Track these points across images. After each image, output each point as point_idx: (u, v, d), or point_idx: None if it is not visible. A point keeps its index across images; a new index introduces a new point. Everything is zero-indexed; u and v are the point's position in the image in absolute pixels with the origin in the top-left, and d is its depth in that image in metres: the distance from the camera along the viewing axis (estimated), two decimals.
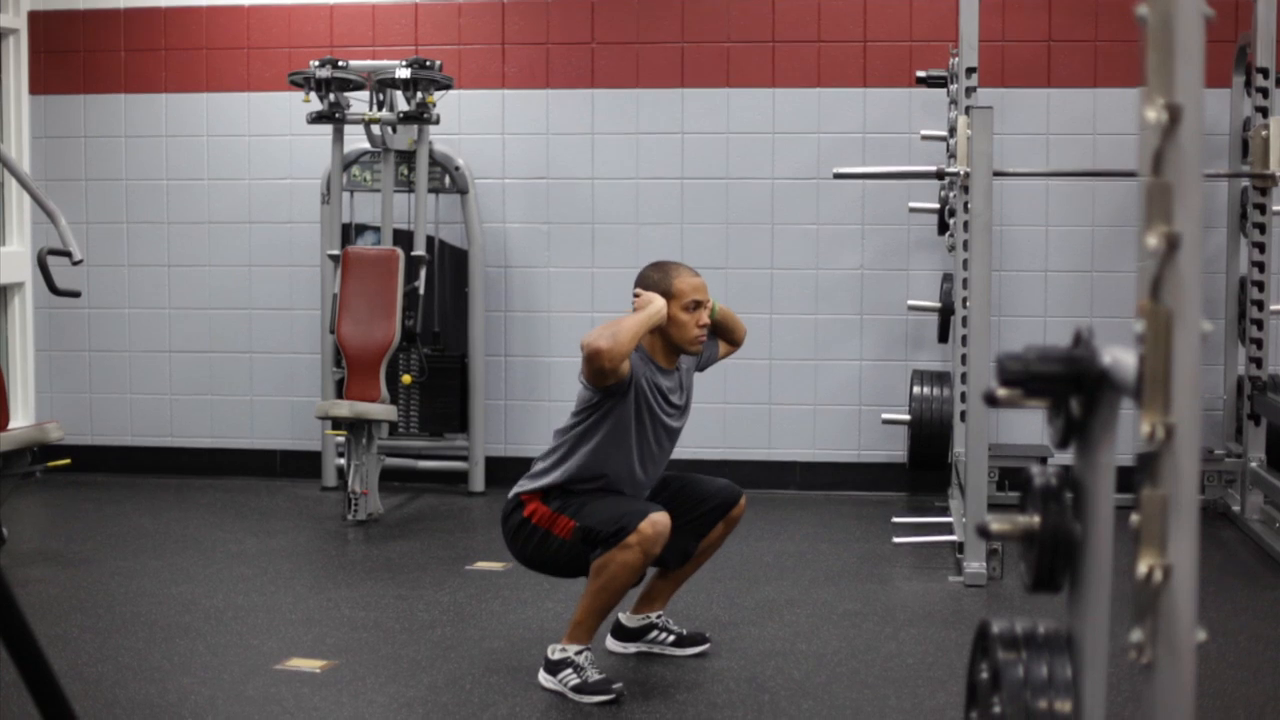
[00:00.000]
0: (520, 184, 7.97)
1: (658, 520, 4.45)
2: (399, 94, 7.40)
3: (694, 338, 4.71)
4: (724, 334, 5.08)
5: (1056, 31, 7.62)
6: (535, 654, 4.75)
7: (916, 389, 7.29)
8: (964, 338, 6.38)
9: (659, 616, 4.99)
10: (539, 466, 4.72)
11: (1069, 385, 1.97)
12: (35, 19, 8.25)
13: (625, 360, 4.48)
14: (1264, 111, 6.78)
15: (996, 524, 2.04)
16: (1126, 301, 7.42)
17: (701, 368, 5.01)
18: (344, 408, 6.97)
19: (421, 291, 7.38)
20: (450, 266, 7.90)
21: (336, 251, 7.40)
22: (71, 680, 4.61)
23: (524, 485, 4.70)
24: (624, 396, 4.59)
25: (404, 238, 7.53)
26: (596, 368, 4.44)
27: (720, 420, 7.85)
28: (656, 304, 4.61)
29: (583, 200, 7.90)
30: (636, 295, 4.70)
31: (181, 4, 8.15)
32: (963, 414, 6.52)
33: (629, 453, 4.65)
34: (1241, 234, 7.22)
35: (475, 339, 7.78)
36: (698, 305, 4.70)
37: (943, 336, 7.40)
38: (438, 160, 7.73)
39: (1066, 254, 7.65)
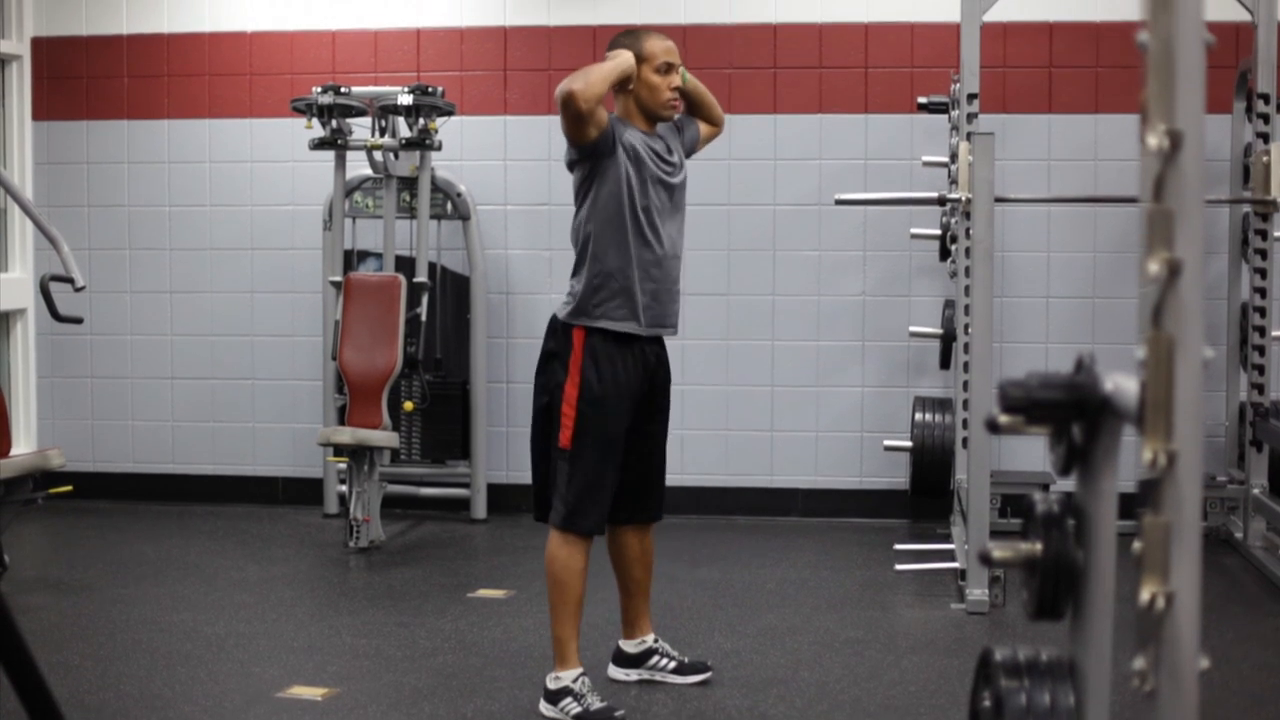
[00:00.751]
0: (522, 210, 7.98)
1: (590, 543, 4.63)
2: (401, 120, 7.40)
3: (666, 100, 4.71)
4: (698, 109, 5.00)
5: (1058, 57, 7.64)
6: (537, 682, 4.74)
7: (918, 415, 7.28)
8: (966, 364, 6.38)
9: (655, 640, 4.98)
10: (572, 282, 4.69)
11: (1071, 412, 1.97)
12: (38, 45, 8.28)
13: (598, 104, 4.47)
14: (1265, 137, 6.79)
15: (999, 551, 2.03)
16: (1128, 328, 7.42)
17: (688, 149, 4.94)
18: (346, 434, 6.97)
19: (423, 318, 7.39)
20: (452, 293, 7.90)
21: (338, 278, 7.41)
22: (73, 708, 4.60)
23: (566, 310, 4.68)
24: (612, 155, 4.57)
25: (406, 264, 7.53)
26: (573, 111, 4.44)
27: (722, 447, 7.84)
28: (624, 55, 4.64)
29: None
30: (608, 56, 4.70)
31: (184, 30, 8.17)
32: (965, 441, 6.51)
33: (635, 210, 4.61)
34: (1243, 260, 7.22)
35: (477, 365, 7.77)
36: (669, 68, 4.70)
37: (945, 363, 7.40)
38: (440, 186, 7.73)
39: (1068, 280, 7.65)
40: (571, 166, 4.67)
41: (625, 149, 4.59)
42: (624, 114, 4.72)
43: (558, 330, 4.69)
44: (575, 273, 4.70)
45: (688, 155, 4.94)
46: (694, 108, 4.98)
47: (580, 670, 4.59)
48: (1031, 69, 7.65)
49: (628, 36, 4.75)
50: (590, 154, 4.57)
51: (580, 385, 4.60)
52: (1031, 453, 7.54)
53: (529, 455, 4.85)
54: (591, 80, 4.46)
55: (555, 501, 4.62)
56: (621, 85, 4.68)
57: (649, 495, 4.87)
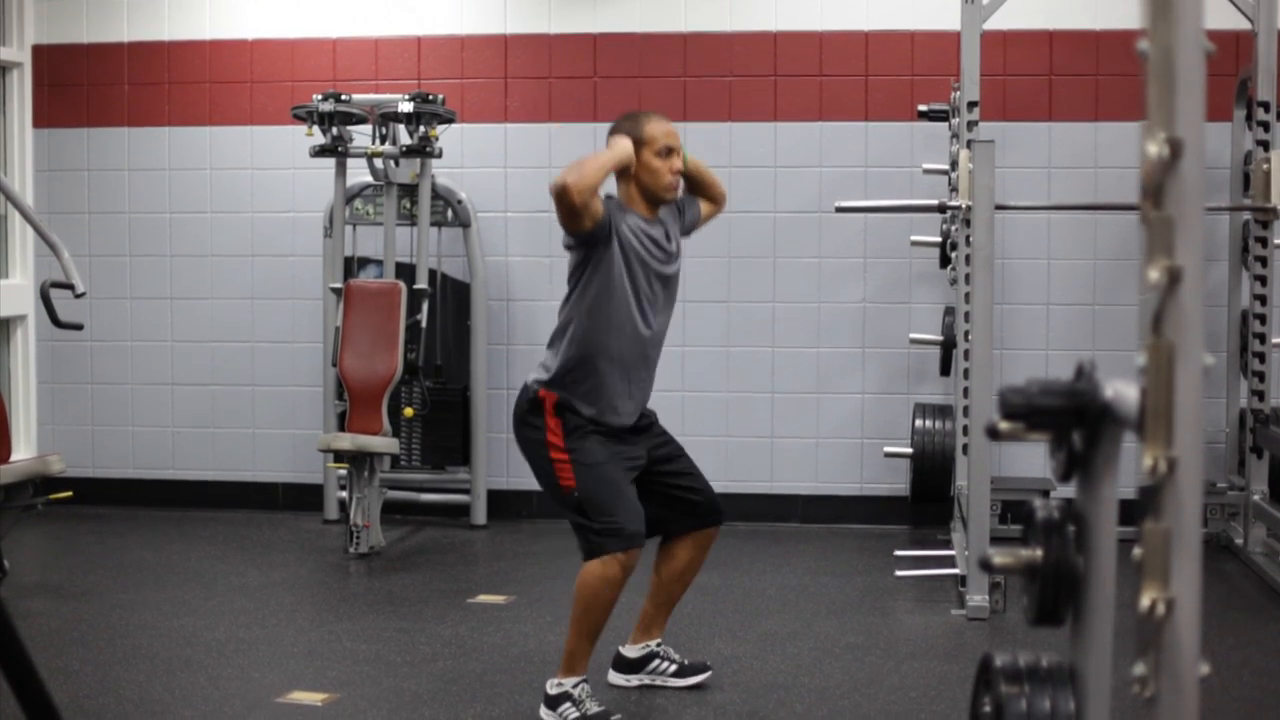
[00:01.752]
0: (522, 217, 7.98)
1: (635, 554, 4.53)
2: (402, 128, 7.41)
3: (668, 184, 4.69)
4: (700, 189, 5.00)
5: (1058, 65, 7.64)
6: (537, 688, 4.74)
7: (919, 422, 7.28)
8: (966, 371, 6.38)
9: (659, 645, 4.98)
10: (548, 354, 4.71)
11: (1071, 419, 1.97)
12: (39, 53, 8.28)
13: (593, 195, 4.47)
14: (1265, 145, 6.80)
15: (999, 557, 2.03)
16: (1128, 334, 7.43)
17: (687, 230, 4.94)
18: (346, 440, 6.97)
19: (424, 324, 7.39)
20: (452, 299, 7.91)
21: (339, 285, 7.41)
22: (73, 713, 4.60)
23: (539, 375, 4.71)
24: (608, 245, 4.56)
25: (406, 271, 7.54)
26: (567, 205, 4.45)
27: (723, 453, 7.84)
28: (623, 143, 4.63)
29: None
30: (609, 144, 4.70)
31: (185, 38, 8.18)
32: (965, 447, 6.51)
33: (626, 303, 4.61)
34: (1243, 267, 7.23)
35: (477, 372, 7.78)
36: (670, 151, 4.69)
37: (945, 370, 7.40)
38: (440, 194, 7.74)
39: (1068, 287, 7.66)
40: (568, 248, 4.67)
41: (621, 240, 4.59)
42: (625, 198, 4.70)
43: (530, 395, 4.71)
44: (552, 345, 4.72)
45: (688, 234, 4.95)
46: (695, 187, 4.99)
47: (582, 677, 4.59)
48: (1032, 77, 7.65)
49: (628, 121, 4.73)
50: (586, 242, 4.57)
51: (561, 428, 4.63)
52: (1032, 459, 7.54)
53: (529, 463, 4.85)
54: (586, 173, 4.46)
55: (586, 536, 4.56)
56: (622, 170, 4.67)
57: (698, 500, 4.86)
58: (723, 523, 4.94)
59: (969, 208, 6.13)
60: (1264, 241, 6.89)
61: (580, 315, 4.63)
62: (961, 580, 6.01)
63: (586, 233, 4.52)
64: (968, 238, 6.32)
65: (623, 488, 4.62)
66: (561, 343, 4.67)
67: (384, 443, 7.06)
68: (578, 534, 4.61)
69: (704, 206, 5.03)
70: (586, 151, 7.76)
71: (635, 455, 4.72)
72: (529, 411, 4.70)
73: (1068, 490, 2.01)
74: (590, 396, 4.63)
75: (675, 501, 4.81)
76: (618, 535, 4.49)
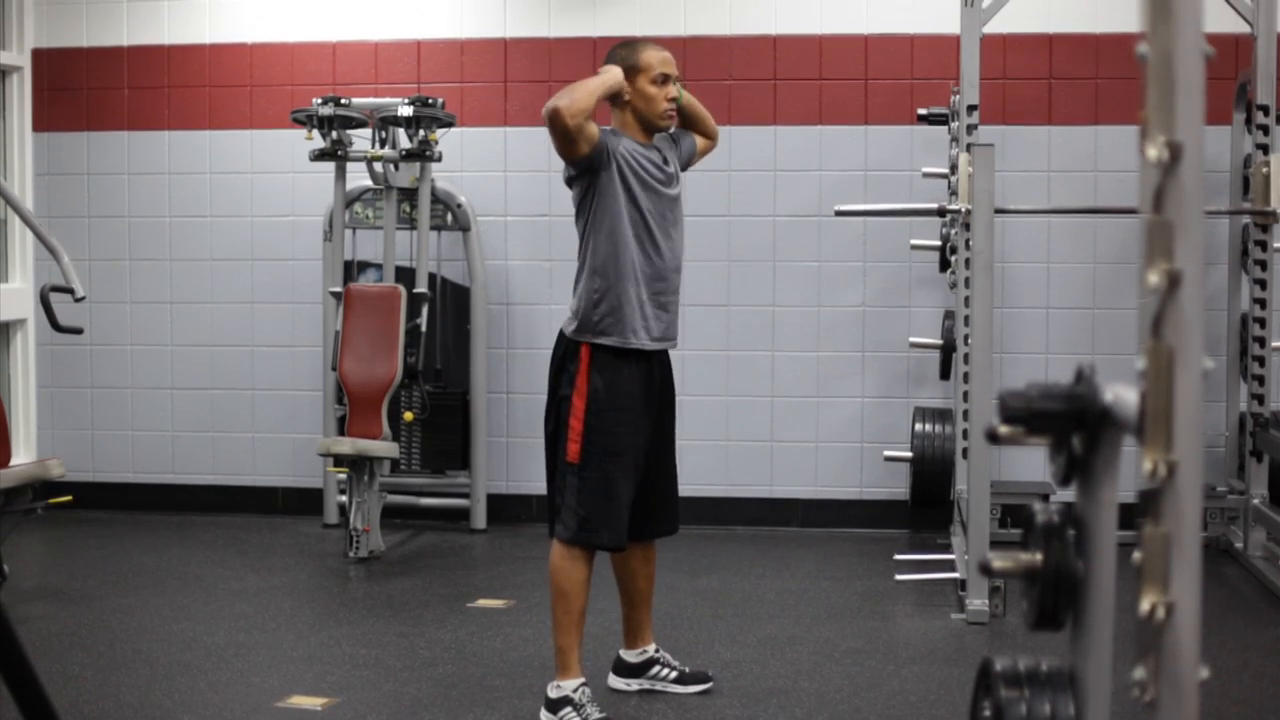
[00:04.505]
0: (522, 221, 7.98)
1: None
2: (401, 131, 7.41)
3: (663, 111, 4.72)
4: (693, 123, 5.01)
5: (1057, 69, 7.65)
6: (537, 692, 4.74)
7: (918, 426, 7.28)
8: (966, 375, 6.38)
9: (656, 650, 4.98)
10: (574, 299, 4.69)
11: (1071, 422, 1.97)
12: (39, 56, 8.29)
13: (585, 119, 4.49)
14: (1264, 149, 6.80)
15: (999, 561, 2.03)
16: (1128, 338, 7.43)
17: (684, 163, 4.94)
18: (346, 445, 6.97)
19: (424, 328, 7.39)
20: (452, 303, 7.91)
21: (339, 288, 7.41)
22: (72, 718, 4.60)
23: (571, 325, 4.69)
24: (608, 169, 4.58)
25: (406, 275, 7.53)
26: (560, 128, 4.46)
27: (722, 457, 7.85)
28: (613, 71, 4.66)
29: None
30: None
31: (185, 42, 8.18)
32: (965, 451, 6.51)
33: (636, 222, 4.62)
34: (1243, 271, 7.23)
35: (477, 376, 7.78)
36: (666, 79, 4.71)
37: (944, 374, 7.40)
38: (440, 197, 7.74)
39: (1068, 291, 7.66)
40: (569, 183, 4.68)
41: (620, 161, 4.60)
42: (620, 126, 4.73)
43: (564, 345, 4.70)
44: (576, 287, 4.71)
45: (684, 168, 4.94)
46: (689, 122, 5.00)
47: (581, 680, 4.59)
48: (1031, 80, 7.66)
49: (624, 48, 4.76)
50: (585, 169, 4.58)
51: (587, 397, 4.61)
52: (1031, 463, 7.54)
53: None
54: (577, 96, 4.47)
55: (563, 514, 4.59)
56: (616, 98, 4.69)
57: (663, 509, 4.87)
58: (675, 533, 4.96)
59: (968, 211, 6.13)
60: (1264, 245, 6.89)
61: (593, 244, 4.64)
62: (961, 584, 6.01)
63: (584, 158, 4.55)
64: (967, 241, 6.32)
65: (620, 495, 4.62)
66: (582, 278, 4.67)
67: (384, 447, 7.06)
68: (554, 503, 4.64)
69: (699, 141, 5.05)
70: None
71: (644, 435, 4.71)
72: (565, 358, 4.69)
73: (1068, 494, 2.01)
74: (617, 323, 4.62)
75: (643, 501, 4.77)
76: (593, 534, 4.53)
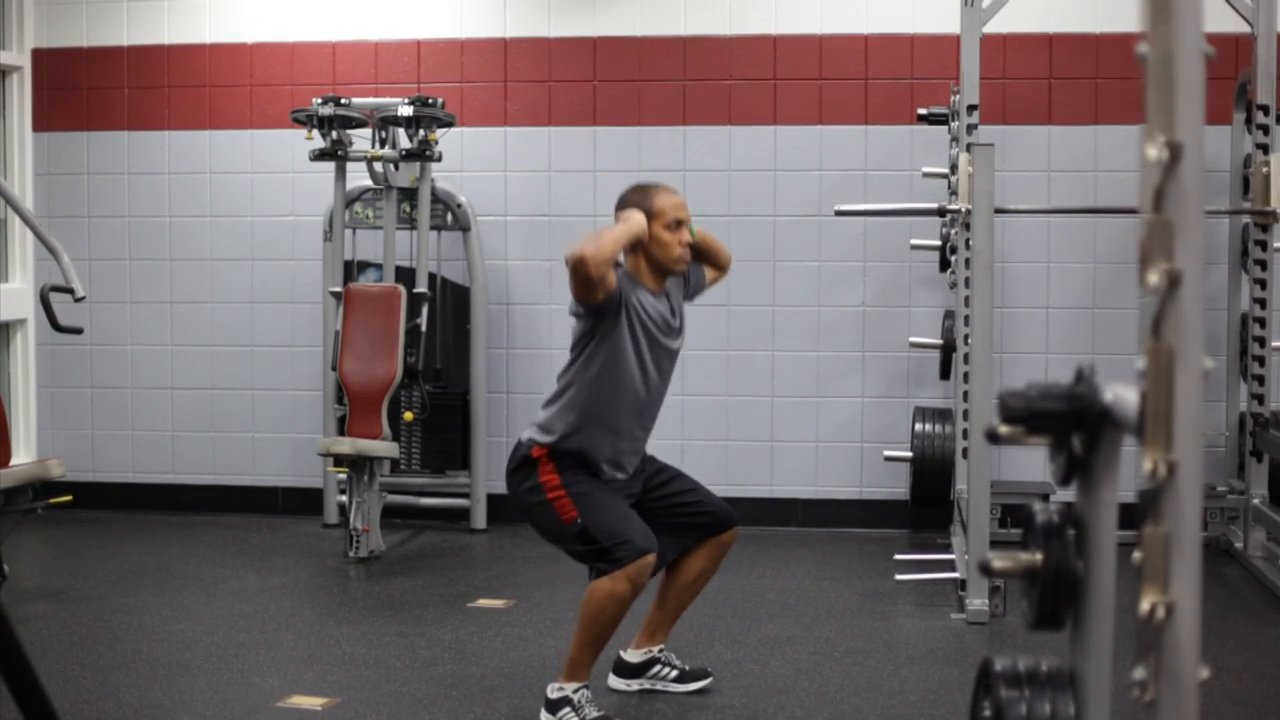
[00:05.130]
0: (522, 221, 7.98)
1: (648, 565, 4.48)
2: (401, 131, 7.41)
3: (677, 256, 4.71)
4: (706, 257, 5.03)
5: (1058, 69, 7.65)
6: (537, 692, 4.74)
7: (918, 426, 7.28)
8: (966, 375, 6.38)
9: (661, 651, 4.98)
10: (546, 414, 4.69)
11: (1071, 422, 1.97)
12: (39, 56, 8.29)
13: (609, 268, 4.47)
14: (1264, 148, 6.80)
15: (999, 561, 2.03)
16: (1128, 338, 7.43)
17: (691, 296, 4.97)
18: (346, 444, 6.97)
19: (424, 328, 7.39)
20: (452, 303, 7.91)
21: (339, 288, 7.41)
22: (72, 718, 4.60)
23: (535, 435, 4.68)
24: (616, 317, 4.57)
25: (406, 275, 7.53)
26: (583, 276, 4.43)
27: (722, 456, 7.85)
28: (637, 217, 4.64)
29: None
30: (618, 216, 4.71)
31: (185, 41, 8.18)
32: (965, 451, 6.51)
33: (630, 377, 4.62)
34: (1242, 270, 7.23)
35: (477, 376, 7.78)
36: (679, 224, 4.71)
37: (945, 373, 7.40)
38: (440, 197, 7.74)
39: (1068, 291, 7.66)
40: (575, 316, 4.66)
41: (630, 311, 4.60)
42: (633, 270, 4.70)
43: (524, 453, 4.70)
44: (549, 407, 4.71)
45: (692, 298, 4.99)
46: (701, 255, 5.01)
47: (584, 683, 4.58)
48: (1031, 80, 7.65)
49: (637, 193, 4.75)
50: (596, 314, 4.57)
51: (555, 469, 4.62)
52: (1031, 463, 7.54)
53: (527, 516, 4.83)
54: (603, 245, 4.45)
55: (595, 560, 4.52)
56: (631, 242, 4.69)
57: (707, 513, 4.86)
58: (735, 525, 4.92)
59: (968, 211, 6.13)
60: (1264, 245, 6.89)
61: (583, 385, 4.64)
62: (961, 584, 6.00)
63: (598, 304, 4.53)
64: (967, 241, 6.32)
65: (624, 509, 4.61)
66: (561, 407, 4.67)
67: (384, 447, 7.06)
68: (586, 560, 4.59)
69: (709, 272, 5.08)
70: (586, 154, 7.85)
71: (631, 486, 4.74)
72: (520, 467, 4.69)
73: (1068, 494, 2.01)
74: (588, 458, 4.65)
75: (682, 520, 4.79)
76: (626, 545, 4.47)
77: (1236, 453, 7.29)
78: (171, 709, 4.75)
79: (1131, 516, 1.78)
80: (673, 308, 4.79)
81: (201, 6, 8.18)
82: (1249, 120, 7.08)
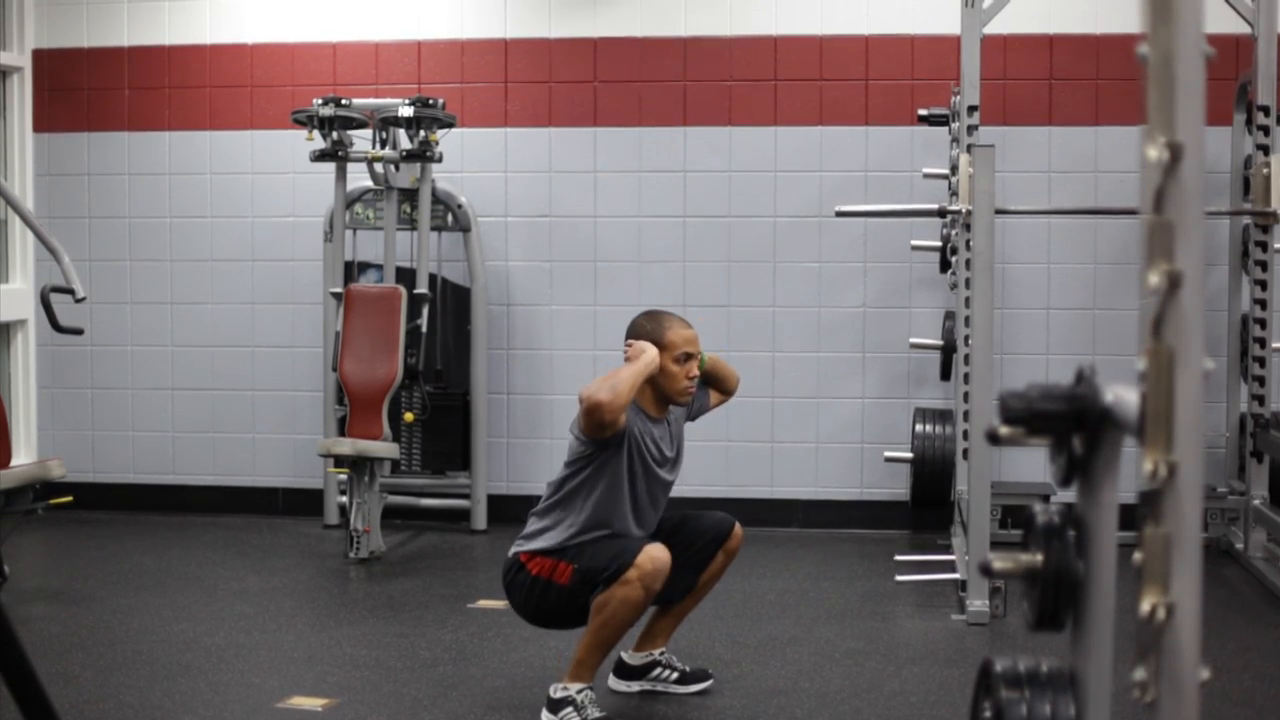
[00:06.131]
0: (523, 222, 7.98)
1: (657, 555, 4.46)
2: (402, 132, 7.41)
3: (683, 389, 4.74)
4: (715, 384, 5.10)
5: (1058, 70, 7.65)
6: (537, 693, 4.74)
7: (919, 427, 7.29)
8: (966, 375, 6.38)
9: (662, 653, 4.97)
10: (535, 526, 4.69)
11: (1071, 423, 1.97)
12: (39, 57, 8.29)
13: (624, 412, 4.50)
14: (1265, 149, 6.80)
15: (999, 562, 2.03)
16: (1129, 339, 7.43)
17: (692, 417, 5.02)
18: (346, 445, 6.97)
19: (424, 329, 7.39)
20: (453, 304, 7.91)
21: (339, 289, 7.41)
22: (73, 718, 4.60)
23: (522, 545, 4.68)
24: (618, 448, 4.59)
25: (406, 275, 7.53)
26: (596, 420, 4.45)
27: (723, 458, 7.85)
28: (650, 354, 4.63)
29: (585, 238, 7.91)
30: (629, 345, 4.71)
31: (185, 42, 8.18)
32: (965, 452, 6.51)
33: (624, 508, 4.65)
34: (1243, 271, 7.23)
35: (477, 377, 7.78)
36: (688, 357, 4.74)
37: (945, 374, 7.40)
38: (440, 198, 7.74)
39: (1068, 292, 7.66)
40: (575, 436, 4.66)
41: (631, 443, 4.61)
42: (637, 397, 4.69)
43: (507, 561, 4.69)
44: (539, 519, 4.69)
45: (694, 419, 5.02)
46: (710, 381, 5.05)
47: (587, 684, 4.58)
48: (1032, 81, 7.66)
49: (650, 323, 4.76)
50: (597, 446, 4.59)
51: (546, 550, 4.61)
52: (1032, 464, 7.54)
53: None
54: (619, 391, 4.45)
55: (605, 580, 4.53)
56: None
57: (706, 529, 4.86)
58: (736, 527, 4.91)
59: (969, 212, 6.13)
60: (1264, 246, 6.89)
61: (574, 507, 4.64)
62: (962, 585, 6.00)
63: (603, 440, 4.56)
64: (968, 242, 6.32)
65: (612, 538, 4.62)
66: (546, 518, 4.67)
67: (384, 448, 7.06)
68: (594, 591, 4.57)
69: (713, 396, 5.13)
70: (586, 155, 7.85)
71: None
72: (512, 574, 4.67)
73: (1068, 495, 2.01)
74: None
75: (686, 547, 4.78)
76: (626, 552, 4.46)
77: (1237, 453, 7.30)
78: (172, 710, 4.75)
79: (1132, 517, 1.77)
80: (671, 435, 4.82)
81: (202, 7, 8.18)
82: (1249, 121, 7.08)
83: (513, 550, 4.70)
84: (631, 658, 4.97)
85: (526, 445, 7.95)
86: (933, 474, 7.23)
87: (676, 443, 4.86)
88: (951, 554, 6.71)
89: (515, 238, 7.99)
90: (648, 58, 7.88)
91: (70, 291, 6.53)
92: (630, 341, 4.72)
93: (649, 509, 4.74)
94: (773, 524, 7.81)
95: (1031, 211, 7.46)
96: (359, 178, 7.66)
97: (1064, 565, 1.99)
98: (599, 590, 4.48)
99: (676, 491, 4.92)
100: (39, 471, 6.45)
